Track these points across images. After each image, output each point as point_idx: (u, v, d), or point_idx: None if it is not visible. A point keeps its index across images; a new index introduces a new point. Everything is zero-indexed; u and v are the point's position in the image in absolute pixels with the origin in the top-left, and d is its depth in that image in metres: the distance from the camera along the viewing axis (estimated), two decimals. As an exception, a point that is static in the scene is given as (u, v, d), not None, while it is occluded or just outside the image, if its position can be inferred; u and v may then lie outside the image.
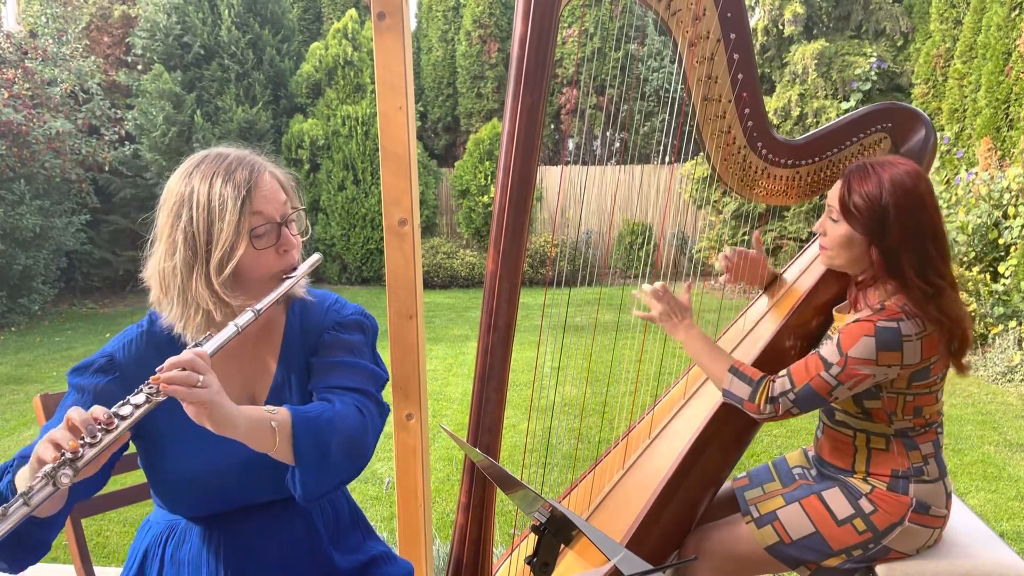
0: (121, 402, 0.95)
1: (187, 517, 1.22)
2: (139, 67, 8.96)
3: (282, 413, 1.07)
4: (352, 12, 9.26)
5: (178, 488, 1.18)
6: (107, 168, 8.18)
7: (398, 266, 1.65)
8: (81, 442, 0.89)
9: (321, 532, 1.25)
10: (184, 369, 0.95)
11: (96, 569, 1.49)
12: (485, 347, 1.46)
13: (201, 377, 0.95)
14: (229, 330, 1.04)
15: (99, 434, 0.90)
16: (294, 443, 1.06)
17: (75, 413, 0.91)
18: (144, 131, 8.30)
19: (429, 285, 8.91)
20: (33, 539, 1.03)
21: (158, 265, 1.13)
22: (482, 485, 1.52)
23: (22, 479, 0.98)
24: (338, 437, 1.09)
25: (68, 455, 0.87)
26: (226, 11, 8.59)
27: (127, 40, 9.11)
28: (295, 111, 9.38)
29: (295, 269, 1.18)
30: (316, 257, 1.23)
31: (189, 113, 8.36)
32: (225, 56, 8.61)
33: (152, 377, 0.95)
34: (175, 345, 1.16)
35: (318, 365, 1.22)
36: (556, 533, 1.01)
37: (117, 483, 1.60)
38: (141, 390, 0.95)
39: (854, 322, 1.46)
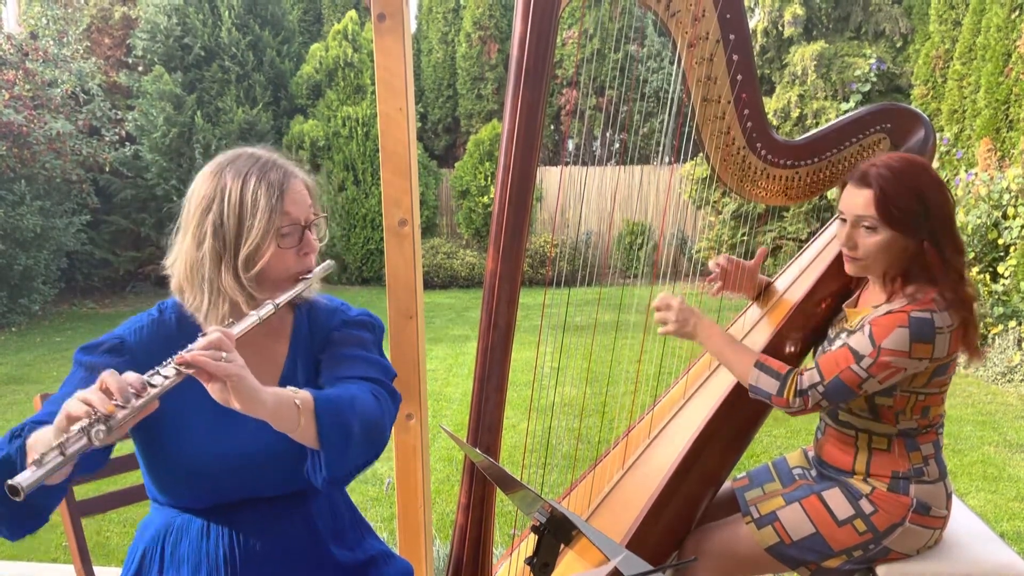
0: (151, 372, 0.96)
1: (185, 509, 1.22)
2: (140, 68, 8.96)
3: (303, 393, 1.08)
4: (352, 13, 9.27)
5: (179, 475, 1.18)
6: (107, 169, 8.18)
7: (398, 266, 1.65)
8: (115, 403, 0.91)
9: (321, 530, 1.26)
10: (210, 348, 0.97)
11: (96, 569, 1.50)
12: (485, 347, 1.46)
13: (225, 354, 0.97)
14: (251, 318, 1.08)
15: (132, 399, 0.92)
16: (317, 424, 1.07)
17: (111, 377, 0.93)
18: (145, 132, 8.30)
19: (429, 285, 8.90)
20: (36, 504, 1.03)
21: (186, 254, 1.16)
22: (482, 485, 1.52)
23: (39, 442, 0.98)
24: (359, 419, 1.11)
25: (103, 414, 0.89)
26: (226, 12, 8.59)
27: (128, 41, 9.11)
28: (295, 112, 9.39)
29: (310, 272, 1.21)
30: (329, 263, 1.27)
31: (189, 114, 8.36)
32: (225, 57, 8.61)
33: (177, 356, 0.96)
34: (184, 334, 1.17)
35: (328, 360, 1.24)
36: (556, 533, 1.01)
37: (117, 483, 1.60)
38: (169, 363, 0.97)
39: (886, 314, 1.45)
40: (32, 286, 7.33)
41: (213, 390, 0.98)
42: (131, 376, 0.94)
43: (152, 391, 0.94)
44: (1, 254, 6.85)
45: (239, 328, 1.05)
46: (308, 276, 1.20)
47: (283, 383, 1.22)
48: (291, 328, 1.28)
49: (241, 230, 1.14)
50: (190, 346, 0.98)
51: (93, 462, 1.11)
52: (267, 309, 1.10)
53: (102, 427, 0.88)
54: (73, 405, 0.92)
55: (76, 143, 7.43)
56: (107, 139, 8.01)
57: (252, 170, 1.16)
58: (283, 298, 1.13)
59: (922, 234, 1.46)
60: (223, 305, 1.16)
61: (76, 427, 0.88)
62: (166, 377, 0.96)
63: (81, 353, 1.17)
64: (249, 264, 1.14)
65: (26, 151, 6.88)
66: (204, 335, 1.00)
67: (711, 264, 1.86)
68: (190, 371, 0.96)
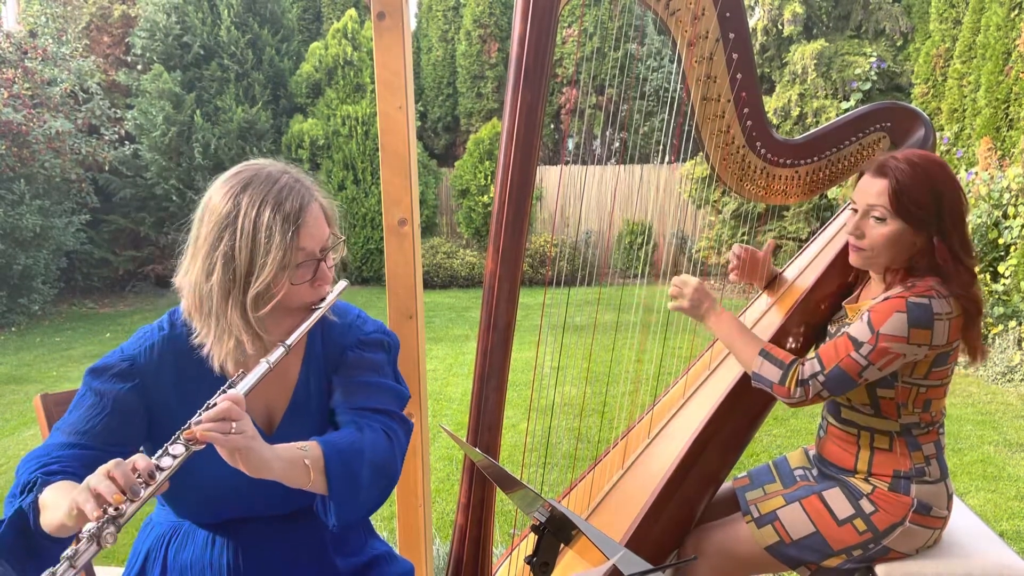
0: (160, 452, 0.96)
1: (190, 524, 1.22)
2: (139, 67, 8.96)
3: (313, 449, 1.07)
4: (352, 12, 9.26)
5: (186, 496, 1.18)
6: (107, 168, 8.18)
7: (398, 266, 1.65)
8: (123, 497, 0.90)
9: (325, 537, 1.26)
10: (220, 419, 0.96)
11: (96, 569, 1.49)
12: (484, 347, 1.46)
13: (235, 424, 0.96)
14: (262, 367, 1.05)
15: (141, 490, 0.91)
16: (327, 476, 1.07)
17: (117, 469, 0.91)
18: (144, 131, 8.30)
19: (429, 285, 8.90)
20: (47, 553, 1.03)
21: (194, 281, 1.11)
22: (481, 485, 1.52)
23: (51, 507, 0.97)
24: (368, 466, 1.10)
25: (112, 512, 0.88)
26: (225, 11, 8.59)
27: (127, 40, 9.10)
28: (295, 111, 9.38)
29: (324, 300, 1.17)
30: (342, 285, 1.21)
31: (189, 113, 8.36)
32: (225, 56, 8.61)
33: (186, 432, 0.96)
34: (195, 357, 1.15)
35: (342, 385, 1.21)
36: (556, 533, 1.01)
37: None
38: (178, 438, 0.96)
39: (883, 300, 1.45)
40: (31, 286, 7.33)
41: (223, 453, 0.98)
42: (139, 462, 0.92)
43: (161, 475, 0.93)
44: (1, 254, 6.84)
45: (248, 384, 1.03)
46: (320, 305, 1.16)
47: (295, 401, 1.22)
48: (305, 345, 1.24)
49: (252, 267, 1.08)
50: (199, 415, 0.97)
51: None
52: (278, 353, 1.07)
53: (111, 529, 0.88)
54: (82, 497, 0.89)
55: (75, 142, 7.42)
56: (106, 138, 8.01)
57: (268, 198, 1.09)
58: (294, 337, 1.09)
59: (931, 230, 1.46)
60: (228, 341, 1.12)
61: (85, 532, 0.87)
62: (175, 456, 0.95)
63: (91, 377, 1.15)
64: (259, 303, 1.09)
65: (25, 150, 6.87)
66: (212, 405, 0.98)
67: (731, 254, 1.88)
68: (200, 447, 0.96)
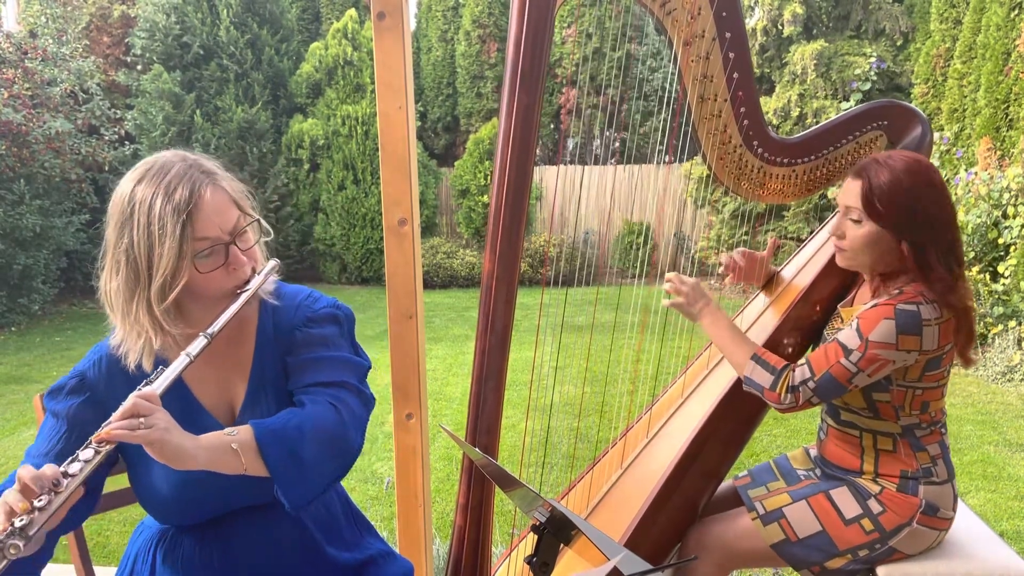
0: (70, 459, 0.95)
1: (176, 527, 1.22)
2: (138, 67, 8.96)
3: (243, 432, 1.05)
4: (352, 12, 9.26)
5: (159, 503, 1.18)
6: (107, 168, 8.17)
7: (398, 266, 1.65)
8: (33, 503, 0.90)
9: (313, 531, 1.25)
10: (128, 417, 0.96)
11: (96, 569, 1.49)
12: (482, 348, 1.46)
13: (143, 419, 0.95)
14: (181, 361, 1.03)
15: (46, 497, 0.91)
16: (264, 458, 1.04)
17: (25, 472, 0.91)
18: (144, 131, 8.30)
19: (429, 285, 8.90)
20: (24, 571, 1.03)
21: (104, 280, 1.10)
22: (480, 486, 1.52)
23: None
24: (311, 441, 1.08)
25: (17, 524, 0.88)
26: (225, 11, 8.59)
27: (126, 40, 9.10)
28: (295, 111, 9.38)
29: (248, 284, 1.14)
30: (272, 264, 1.18)
31: (189, 113, 8.36)
32: (224, 56, 8.61)
33: (95, 436, 0.95)
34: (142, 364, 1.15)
35: (293, 364, 1.20)
36: (556, 533, 1.01)
37: (117, 483, 1.60)
38: (90, 443, 0.95)
39: (872, 307, 1.45)
40: (31, 286, 7.32)
41: (147, 449, 0.97)
42: (47, 471, 0.92)
43: (71, 481, 0.92)
44: (1, 254, 6.84)
45: (165, 383, 1.01)
46: (247, 289, 1.12)
47: (251, 386, 1.20)
48: (255, 330, 1.23)
49: (151, 261, 1.06)
50: (111, 418, 0.96)
51: (80, 513, 1.11)
52: (200, 344, 1.04)
53: (16, 541, 0.88)
54: None
55: (75, 142, 7.42)
56: (106, 138, 8.00)
57: (158, 190, 1.06)
58: (217, 325, 1.07)
59: (903, 234, 1.45)
60: (138, 341, 1.10)
61: None
62: (86, 461, 0.94)
63: (48, 399, 1.16)
64: (162, 296, 1.06)
65: (25, 150, 6.87)
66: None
67: (724, 258, 1.87)
68: (110, 447, 0.95)
